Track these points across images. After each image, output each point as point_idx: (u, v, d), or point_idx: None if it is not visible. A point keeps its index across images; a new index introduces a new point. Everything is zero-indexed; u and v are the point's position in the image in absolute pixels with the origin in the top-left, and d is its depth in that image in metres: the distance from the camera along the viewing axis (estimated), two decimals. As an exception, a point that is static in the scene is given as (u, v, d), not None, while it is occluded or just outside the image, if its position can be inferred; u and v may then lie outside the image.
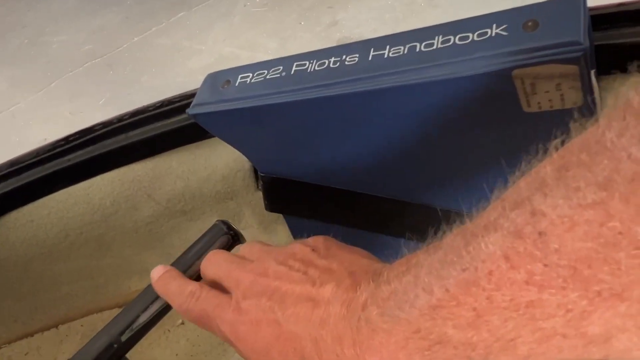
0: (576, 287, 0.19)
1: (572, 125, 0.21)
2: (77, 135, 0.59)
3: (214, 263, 0.39)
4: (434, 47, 0.39)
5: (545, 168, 0.21)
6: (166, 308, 0.44)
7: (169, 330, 0.73)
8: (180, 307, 0.39)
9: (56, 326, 0.71)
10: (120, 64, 2.52)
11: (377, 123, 0.43)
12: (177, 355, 0.71)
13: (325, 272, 0.33)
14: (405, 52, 0.40)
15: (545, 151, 0.22)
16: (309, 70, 0.44)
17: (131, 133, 0.58)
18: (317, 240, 0.37)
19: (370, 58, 0.42)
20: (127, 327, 0.42)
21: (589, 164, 0.19)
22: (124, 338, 0.42)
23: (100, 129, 0.59)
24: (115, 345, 0.42)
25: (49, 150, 0.60)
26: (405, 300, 0.25)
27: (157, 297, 0.43)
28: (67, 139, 0.59)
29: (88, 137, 0.59)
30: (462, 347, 0.24)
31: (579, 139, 0.20)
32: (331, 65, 0.43)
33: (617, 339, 0.20)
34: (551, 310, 0.20)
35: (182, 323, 0.74)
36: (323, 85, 0.42)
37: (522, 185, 0.22)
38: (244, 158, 0.58)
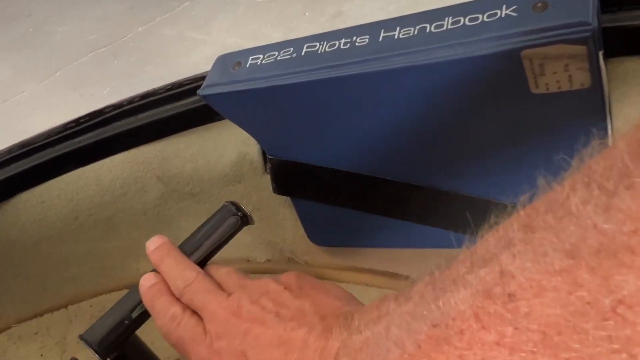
0: (546, 353, 0.19)
1: (540, 179, 0.21)
2: (87, 117, 0.60)
3: (193, 290, 0.39)
4: (444, 28, 0.40)
5: (513, 226, 0.21)
6: None
7: (176, 313, 0.74)
8: (160, 329, 0.40)
9: (65, 306, 0.72)
10: (125, 53, 2.52)
11: (387, 104, 0.44)
12: (184, 336, 0.72)
13: (297, 313, 0.34)
14: (416, 33, 0.41)
15: (513, 206, 0.22)
16: (319, 51, 0.45)
17: (141, 115, 0.59)
18: (290, 278, 0.38)
19: (380, 39, 0.42)
20: (138, 304, 0.43)
21: (555, 228, 0.19)
22: (134, 315, 0.43)
23: (111, 111, 0.59)
24: (126, 322, 0.43)
25: (59, 132, 0.60)
26: (378, 354, 0.26)
27: None
28: (77, 121, 0.60)
29: (98, 119, 0.60)
30: None
31: (544, 198, 0.21)
32: (342, 46, 0.44)
33: None
34: None
35: (189, 305, 0.74)
36: (334, 66, 0.43)
37: (490, 241, 0.22)
38: (253, 141, 0.58)
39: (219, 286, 0.39)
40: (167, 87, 0.58)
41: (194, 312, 0.38)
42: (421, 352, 0.23)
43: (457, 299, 0.22)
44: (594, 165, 0.19)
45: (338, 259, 0.71)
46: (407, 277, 0.69)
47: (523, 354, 0.20)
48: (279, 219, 0.66)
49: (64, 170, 0.62)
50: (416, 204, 0.52)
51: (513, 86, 0.39)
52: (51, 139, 0.61)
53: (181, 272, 0.41)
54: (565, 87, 0.39)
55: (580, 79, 0.38)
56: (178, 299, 0.40)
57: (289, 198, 0.61)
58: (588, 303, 0.18)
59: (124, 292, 0.45)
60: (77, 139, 0.60)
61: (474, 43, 0.38)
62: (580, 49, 0.36)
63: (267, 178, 0.60)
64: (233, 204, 0.48)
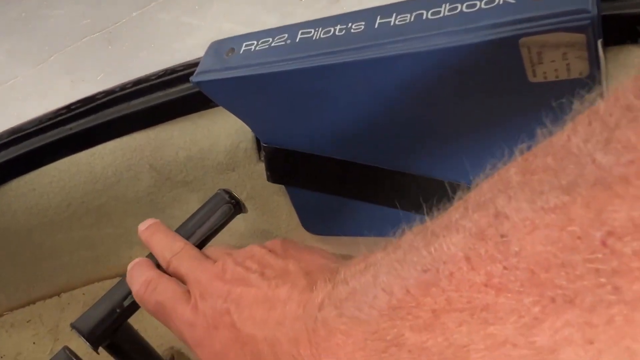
0: (531, 292, 0.19)
1: (538, 130, 0.21)
2: (79, 104, 0.59)
3: (180, 259, 0.39)
4: (441, 14, 0.39)
5: (510, 171, 0.21)
6: None
7: (169, 301, 0.73)
8: (136, 295, 0.39)
9: (58, 294, 0.71)
10: (119, 38, 2.50)
11: (383, 91, 0.43)
12: (177, 324, 0.72)
13: (281, 272, 0.33)
14: (412, 19, 0.40)
15: (510, 154, 0.22)
16: (314, 38, 0.44)
17: (133, 102, 0.58)
18: (275, 243, 0.37)
19: (376, 26, 0.42)
20: (130, 292, 0.42)
21: (555, 168, 0.19)
22: (126, 303, 0.43)
23: (102, 97, 0.58)
24: (118, 310, 0.42)
25: (50, 119, 0.60)
26: (364, 301, 0.25)
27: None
28: (69, 107, 0.59)
29: (90, 105, 0.59)
30: (417, 352, 0.23)
31: (544, 143, 0.20)
32: (337, 33, 0.43)
33: (563, 351, 0.19)
34: (504, 315, 0.20)
35: (183, 293, 0.74)
36: (329, 53, 0.42)
37: (485, 187, 0.22)
38: (247, 129, 0.57)
39: (206, 256, 0.39)
40: (160, 74, 0.57)
41: (174, 278, 0.38)
42: (409, 296, 0.23)
43: (450, 243, 0.22)
44: (596, 106, 0.18)
45: (332, 247, 0.71)
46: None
47: (509, 294, 0.20)
48: (273, 208, 0.65)
49: (55, 157, 0.61)
50: (411, 192, 0.52)
51: (510, 74, 0.39)
52: (42, 125, 0.60)
53: (169, 243, 0.41)
54: (563, 75, 0.38)
55: (579, 67, 0.37)
56: (155, 268, 0.40)
57: (283, 186, 0.60)
58: (579, 238, 0.18)
59: (117, 280, 0.44)
60: (68, 126, 0.59)
61: (471, 30, 0.38)
62: (579, 37, 0.35)
63: (261, 166, 0.60)
64: (226, 192, 0.48)
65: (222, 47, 0.49)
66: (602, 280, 0.17)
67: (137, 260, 0.42)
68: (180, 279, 0.38)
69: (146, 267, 0.40)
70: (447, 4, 0.39)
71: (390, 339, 0.24)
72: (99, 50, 2.44)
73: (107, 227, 0.69)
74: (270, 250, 0.36)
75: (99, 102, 0.59)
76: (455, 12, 0.39)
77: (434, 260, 0.22)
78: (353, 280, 0.27)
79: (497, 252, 0.20)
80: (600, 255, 0.17)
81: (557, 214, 0.18)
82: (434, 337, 0.22)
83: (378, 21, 0.42)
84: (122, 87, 0.58)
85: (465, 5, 0.38)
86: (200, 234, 0.46)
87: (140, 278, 0.39)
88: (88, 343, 0.41)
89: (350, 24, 0.43)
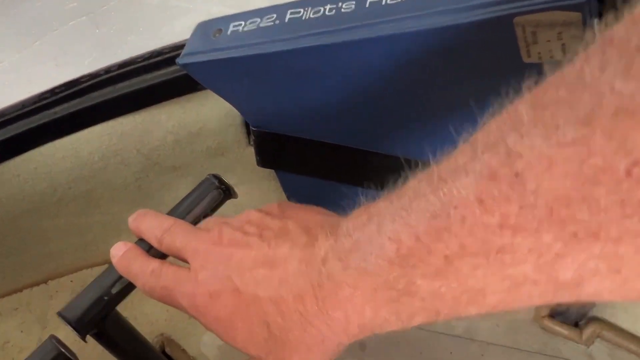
0: (551, 229, 0.19)
1: (545, 65, 0.20)
2: (63, 87, 0.58)
3: (172, 234, 0.38)
4: (433, -7, 0.38)
5: (519, 107, 0.20)
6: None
7: (159, 287, 0.73)
8: (143, 287, 0.38)
9: (46, 282, 0.70)
10: (107, 22, 2.46)
11: (374, 73, 0.42)
12: (167, 310, 0.71)
13: (280, 232, 0.33)
14: (404, -2, 0.39)
15: (517, 92, 0.21)
16: (303, 18, 0.43)
17: (119, 85, 0.57)
18: (271, 206, 0.37)
19: (367, 5, 0.40)
20: (118, 280, 0.42)
21: (569, 100, 0.18)
22: (114, 290, 0.42)
23: (87, 80, 0.57)
24: (106, 298, 0.42)
25: (34, 103, 0.58)
26: (370, 252, 0.25)
27: (148, 251, 0.43)
28: (53, 91, 0.58)
29: (75, 89, 0.57)
30: (430, 299, 0.23)
31: (554, 76, 0.20)
32: (327, 12, 0.42)
33: (588, 282, 0.19)
34: (522, 255, 0.19)
35: (173, 280, 0.74)
36: (318, 33, 0.41)
37: (493, 126, 0.21)
38: (236, 112, 0.56)
39: (199, 228, 0.38)
40: (146, 56, 0.56)
41: (173, 264, 0.37)
42: (420, 244, 0.22)
43: (459, 187, 0.21)
44: (609, 34, 0.17)
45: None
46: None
47: (526, 234, 0.19)
48: (263, 192, 0.65)
49: (40, 142, 0.60)
50: (402, 175, 0.51)
51: (504, 54, 0.38)
52: (26, 109, 0.58)
53: (159, 222, 0.40)
54: (558, 56, 0.37)
55: (575, 47, 0.36)
56: (154, 258, 0.39)
57: (273, 171, 0.60)
58: (601, 170, 0.17)
59: (105, 267, 0.44)
60: (52, 110, 0.58)
61: (464, 9, 0.37)
62: (575, 15, 0.34)
63: (251, 150, 0.59)
64: (215, 177, 0.47)
65: (209, 28, 0.47)
66: (628, 211, 0.17)
67: (124, 249, 0.40)
68: (177, 255, 0.37)
69: (144, 259, 0.39)
70: (440, -17, 0.38)
71: (402, 288, 0.23)
72: (85, 35, 2.40)
73: (94, 214, 0.68)
74: (267, 213, 0.35)
75: (83, 85, 0.57)
76: (449, -10, 0.38)
77: (444, 205, 0.21)
78: (356, 232, 0.26)
79: (512, 192, 0.19)
80: (626, 186, 0.16)
81: (576, 147, 0.17)
82: (447, 283, 0.22)
83: (369, 0, 0.40)
84: (107, 70, 0.57)
85: (457, -17, 0.37)
86: (189, 221, 0.45)
87: (146, 270, 0.37)
88: (75, 332, 0.41)
89: (340, 4, 0.42)
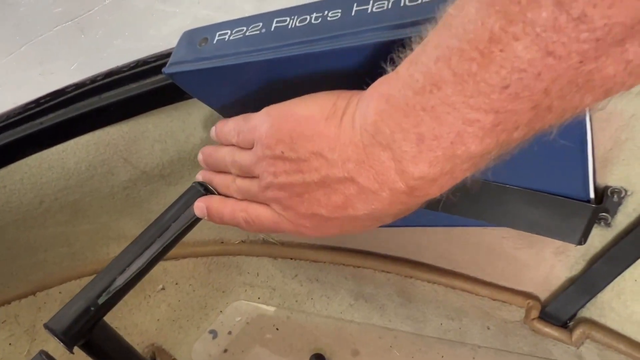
0: (635, 40, 0.20)
1: None
2: (48, 98, 0.57)
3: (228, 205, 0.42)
4: (419, 1, 0.38)
5: None
6: (143, 271, 0.43)
7: (149, 296, 0.72)
8: (241, 226, 0.41)
9: (34, 293, 0.70)
10: (92, 27, 2.44)
11: (361, 80, 0.42)
12: (158, 320, 0.71)
13: (304, 167, 0.34)
14: (389, 6, 0.39)
15: None
16: (289, 26, 0.42)
17: (105, 95, 0.56)
18: (269, 140, 0.36)
19: (353, 13, 0.40)
20: (104, 290, 0.42)
21: None
22: (100, 301, 0.42)
23: (73, 90, 0.56)
24: (92, 309, 0.41)
25: (19, 113, 0.57)
26: (451, 142, 0.25)
27: (134, 260, 0.43)
28: (38, 102, 0.57)
29: (60, 99, 0.57)
30: (530, 132, 0.25)
31: None
32: (313, 21, 0.42)
33: None
34: (611, 70, 0.21)
35: (163, 288, 0.73)
36: (305, 41, 0.41)
37: None
38: (223, 120, 0.56)
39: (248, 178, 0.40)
40: (132, 65, 0.55)
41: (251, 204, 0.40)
42: (504, 113, 0.23)
43: (517, 51, 0.21)
44: None
45: (314, 238, 0.70)
46: (383, 256, 0.68)
47: (609, 54, 0.20)
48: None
49: (25, 153, 0.59)
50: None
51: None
52: (11, 120, 0.58)
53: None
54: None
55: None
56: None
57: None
58: None
59: (94, 277, 0.43)
60: (38, 120, 0.57)
61: (450, 17, 0.37)
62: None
63: (239, 158, 0.59)
64: (201, 184, 0.47)
65: (194, 37, 0.47)
66: None
67: (207, 202, 0.44)
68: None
69: (230, 204, 0.42)
70: (425, -10, 0.38)
71: (502, 145, 0.26)
72: (71, 39, 2.38)
73: (82, 223, 0.67)
74: (276, 157, 0.35)
75: (69, 95, 0.57)
76: (433, -2, 0.38)
77: (510, 73, 0.22)
78: (411, 132, 0.27)
79: (581, 33, 0.20)
80: None
81: None
82: (541, 121, 0.24)
83: (355, 8, 0.40)
84: (93, 79, 0.56)
85: (443, -9, 0.37)
86: (175, 229, 0.45)
87: (237, 218, 0.41)
88: (62, 344, 0.40)
89: (326, 12, 0.41)
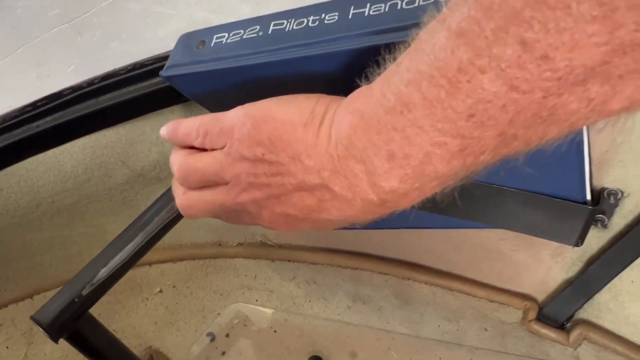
0: (596, 81, 0.20)
1: None
2: (45, 101, 0.57)
3: (197, 205, 0.39)
4: (416, 4, 0.38)
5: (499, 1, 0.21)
6: (127, 264, 0.44)
7: (147, 298, 0.72)
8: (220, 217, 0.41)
9: (31, 296, 0.70)
10: (89, 29, 2.43)
11: (358, 83, 0.42)
12: (155, 323, 0.71)
13: (285, 172, 0.34)
14: (387, 9, 0.39)
15: None
16: (287, 29, 0.43)
17: (102, 98, 0.56)
18: (244, 141, 0.36)
19: (350, 16, 0.40)
20: (88, 282, 0.42)
21: None
22: (85, 292, 0.42)
23: (70, 93, 0.56)
24: (77, 300, 0.42)
25: (16, 117, 0.57)
26: (419, 161, 0.26)
27: (118, 253, 0.43)
28: (34, 105, 0.57)
29: (57, 102, 0.57)
30: (496, 157, 0.26)
31: None
32: (310, 24, 0.42)
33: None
34: (573, 106, 0.21)
35: (160, 291, 0.73)
36: (302, 44, 0.41)
37: (480, 19, 0.22)
38: (220, 123, 0.56)
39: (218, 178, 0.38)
40: (129, 68, 0.55)
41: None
42: (470, 139, 0.24)
43: (482, 84, 0.22)
44: None
45: (311, 241, 0.70)
46: (380, 258, 0.68)
47: (572, 92, 0.21)
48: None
49: (22, 156, 0.59)
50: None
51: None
52: (7, 123, 0.58)
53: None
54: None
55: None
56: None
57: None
58: (636, 31, 0.19)
59: (80, 270, 0.44)
60: (35, 124, 0.57)
61: (447, 20, 0.37)
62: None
63: (237, 161, 0.58)
64: None
65: (192, 40, 0.47)
66: None
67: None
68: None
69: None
70: (422, -6, 0.38)
71: (469, 166, 0.26)
72: (68, 42, 2.37)
73: (79, 226, 0.67)
74: (256, 159, 0.35)
75: (66, 98, 0.56)
76: (430, 1, 0.38)
77: (475, 104, 0.23)
78: (382, 149, 0.28)
79: (544, 72, 0.20)
80: None
81: (601, 24, 0.19)
82: (507, 148, 0.25)
83: (352, 12, 0.40)
84: (90, 82, 0.56)
85: (440, -6, 0.37)
86: (158, 222, 0.45)
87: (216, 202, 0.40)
88: (47, 335, 0.41)
89: (323, 15, 0.42)
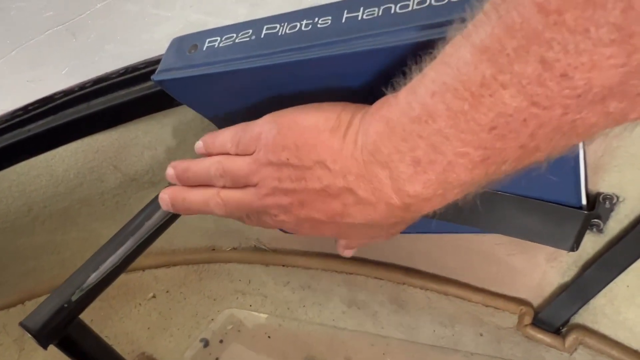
0: (614, 99, 0.21)
1: None
2: (36, 105, 0.57)
3: (230, 202, 0.41)
4: (410, 8, 0.38)
5: (528, 16, 0.21)
6: (117, 269, 0.43)
7: (140, 304, 0.71)
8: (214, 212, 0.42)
9: (22, 302, 0.69)
10: (84, 31, 2.42)
11: (352, 88, 0.42)
12: (148, 328, 0.70)
13: (313, 177, 0.34)
14: (380, 13, 0.39)
15: None
16: (280, 33, 0.42)
17: (94, 102, 0.56)
18: (274, 147, 0.37)
19: (343, 20, 0.40)
20: (78, 288, 0.42)
21: (589, 5, 0.19)
22: (74, 298, 0.42)
23: (61, 97, 0.56)
24: (66, 306, 0.41)
25: (7, 121, 0.57)
26: (443, 169, 0.27)
27: (108, 258, 0.43)
28: (25, 109, 0.57)
29: (48, 106, 0.56)
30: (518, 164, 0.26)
31: None
32: (303, 28, 0.41)
33: None
34: (593, 120, 0.22)
35: (154, 296, 0.72)
36: (295, 49, 0.41)
37: (503, 38, 0.22)
38: (213, 127, 0.55)
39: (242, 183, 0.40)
40: (121, 72, 0.55)
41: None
42: (492, 150, 0.25)
43: (504, 99, 0.23)
44: None
45: (305, 245, 0.70)
46: (375, 263, 0.68)
47: (591, 108, 0.22)
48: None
49: (13, 160, 0.58)
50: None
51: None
52: (-2, 127, 0.57)
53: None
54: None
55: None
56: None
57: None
58: None
59: (70, 275, 0.43)
60: (26, 128, 0.57)
61: (441, 24, 0.36)
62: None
63: (230, 165, 0.58)
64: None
65: (184, 44, 0.47)
66: None
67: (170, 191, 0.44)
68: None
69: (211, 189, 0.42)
70: (416, -2, 0.38)
71: (490, 174, 0.27)
72: (63, 44, 2.37)
73: (71, 231, 0.66)
74: (282, 164, 0.36)
75: (57, 102, 0.56)
76: (424, 5, 0.37)
77: (497, 117, 0.23)
78: (406, 156, 0.29)
79: (563, 89, 0.21)
80: None
81: (618, 47, 0.19)
82: (528, 159, 0.25)
83: (345, 16, 0.40)
84: (82, 86, 0.56)
85: (434, -2, 0.37)
86: (148, 227, 0.45)
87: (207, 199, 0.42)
88: (36, 341, 0.40)
89: (316, 19, 0.41)
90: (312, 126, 0.35)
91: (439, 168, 0.27)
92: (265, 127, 0.39)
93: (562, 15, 0.20)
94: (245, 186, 0.40)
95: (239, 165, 0.40)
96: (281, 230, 0.40)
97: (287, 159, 0.36)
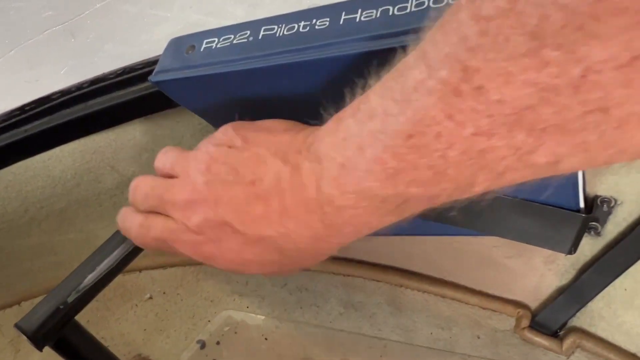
0: (522, 129, 0.20)
1: None
2: (33, 105, 0.56)
3: (141, 193, 0.38)
4: (407, 10, 0.38)
5: (461, 19, 0.21)
6: (114, 270, 0.43)
7: (136, 305, 0.71)
8: (137, 241, 0.39)
9: (19, 303, 0.69)
10: (83, 31, 2.42)
11: (347, 89, 0.42)
12: (145, 330, 0.70)
13: (256, 164, 0.33)
14: (378, 15, 0.39)
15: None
16: (277, 34, 0.42)
17: (91, 102, 0.56)
18: (228, 133, 0.36)
19: (341, 22, 0.40)
20: (74, 289, 0.41)
21: (512, 12, 0.19)
22: (70, 299, 0.41)
23: (58, 97, 0.56)
24: (62, 308, 0.41)
25: (3, 121, 0.57)
26: (360, 177, 0.26)
27: (105, 259, 0.43)
28: (22, 109, 0.56)
29: (45, 106, 0.56)
30: (426, 200, 0.26)
31: None
32: (301, 29, 0.41)
33: (562, 162, 0.21)
34: (501, 152, 0.22)
35: (150, 297, 0.72)
36: (292, 50, 0.41)
37: (439, 39, 0.22)
38: (211, 129, 0.55)
39: (165, 175, 0.37)
40: (118, 72, 0.54)
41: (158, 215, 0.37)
42: (405, 163, 0.24)
43: (426, 107, 0.22)
44: None
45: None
46: (373, 265, 0.68)
47: (500, 136, 0.21)
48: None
49: (10, 161, 0.58)
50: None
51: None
52: (-5, 128, 0.57)
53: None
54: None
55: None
56: (140, 212, 0.39)
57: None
58: (557, 77, 0.19)
59: (66, 277, 0.43)
60: (23, 128, 0.57)
61: (439, 27, 0.36)
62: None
63: (228, 166, 0.58)
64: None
65: (181, 45, 0.46)
66: (590, 108, 0.19)
67: (124, 209, 0.41)
68: (155, 210, 0.37)
69: (133, 213, 0.39)
70: (414, 0, 0.38)
71: (400, 200, 0.26)
72: (62, 44, 2.36)
73: (68, 232, 0.66)
74: (229, 146, 0.34)
75: (54, 102, 0.56)
76: (422, 7, 0.37)
77: (415, 124, 0.23)
78: (338, 156, 0.28)
79: (478, 104, 0.21)
80: (583, 89, 0.18)
81: (530, 59, 0.19)
82: (439, 185, 0.24)
83: (343, 17, 0.40)
84: (79, 86, 0.55)
85: (432, 0, 0.37)
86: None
87: (134, 225, 0.38)
88: (32, 343, 0.40)
89: (314, 20, 0.41)
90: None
91: (359, 172, 0.27)
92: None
93: (490, 22, 0.19)
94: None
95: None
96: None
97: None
